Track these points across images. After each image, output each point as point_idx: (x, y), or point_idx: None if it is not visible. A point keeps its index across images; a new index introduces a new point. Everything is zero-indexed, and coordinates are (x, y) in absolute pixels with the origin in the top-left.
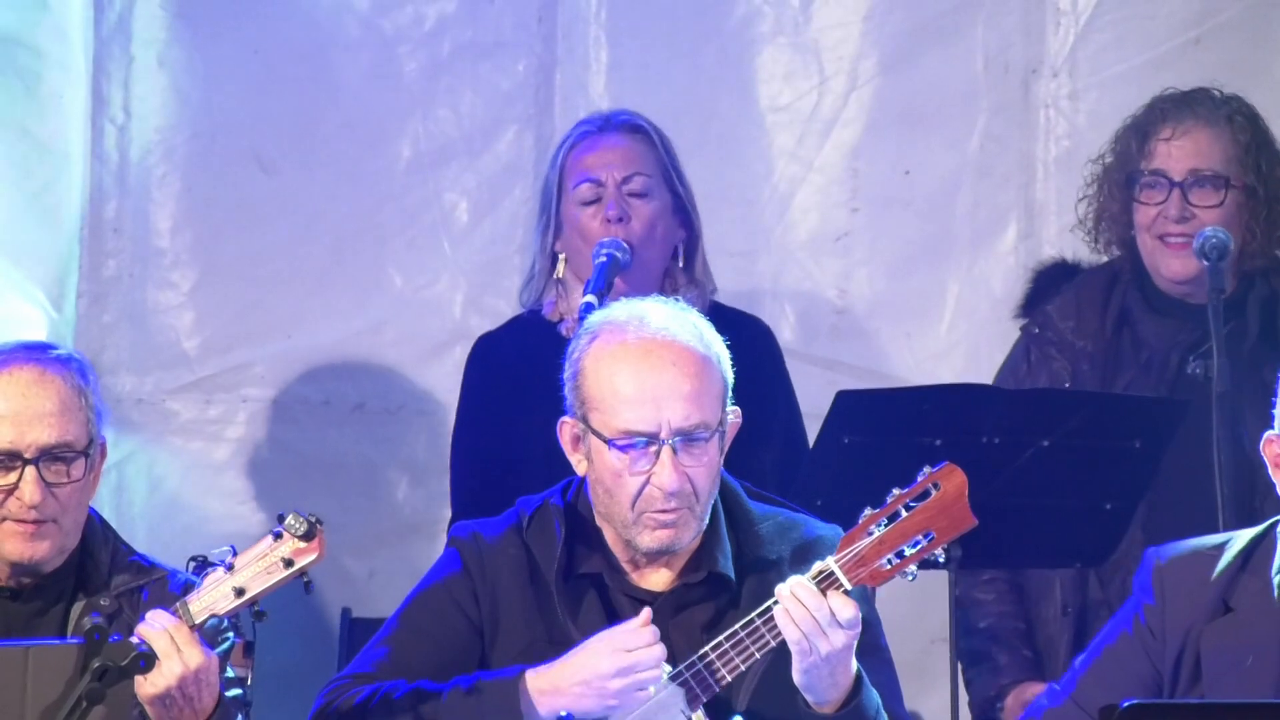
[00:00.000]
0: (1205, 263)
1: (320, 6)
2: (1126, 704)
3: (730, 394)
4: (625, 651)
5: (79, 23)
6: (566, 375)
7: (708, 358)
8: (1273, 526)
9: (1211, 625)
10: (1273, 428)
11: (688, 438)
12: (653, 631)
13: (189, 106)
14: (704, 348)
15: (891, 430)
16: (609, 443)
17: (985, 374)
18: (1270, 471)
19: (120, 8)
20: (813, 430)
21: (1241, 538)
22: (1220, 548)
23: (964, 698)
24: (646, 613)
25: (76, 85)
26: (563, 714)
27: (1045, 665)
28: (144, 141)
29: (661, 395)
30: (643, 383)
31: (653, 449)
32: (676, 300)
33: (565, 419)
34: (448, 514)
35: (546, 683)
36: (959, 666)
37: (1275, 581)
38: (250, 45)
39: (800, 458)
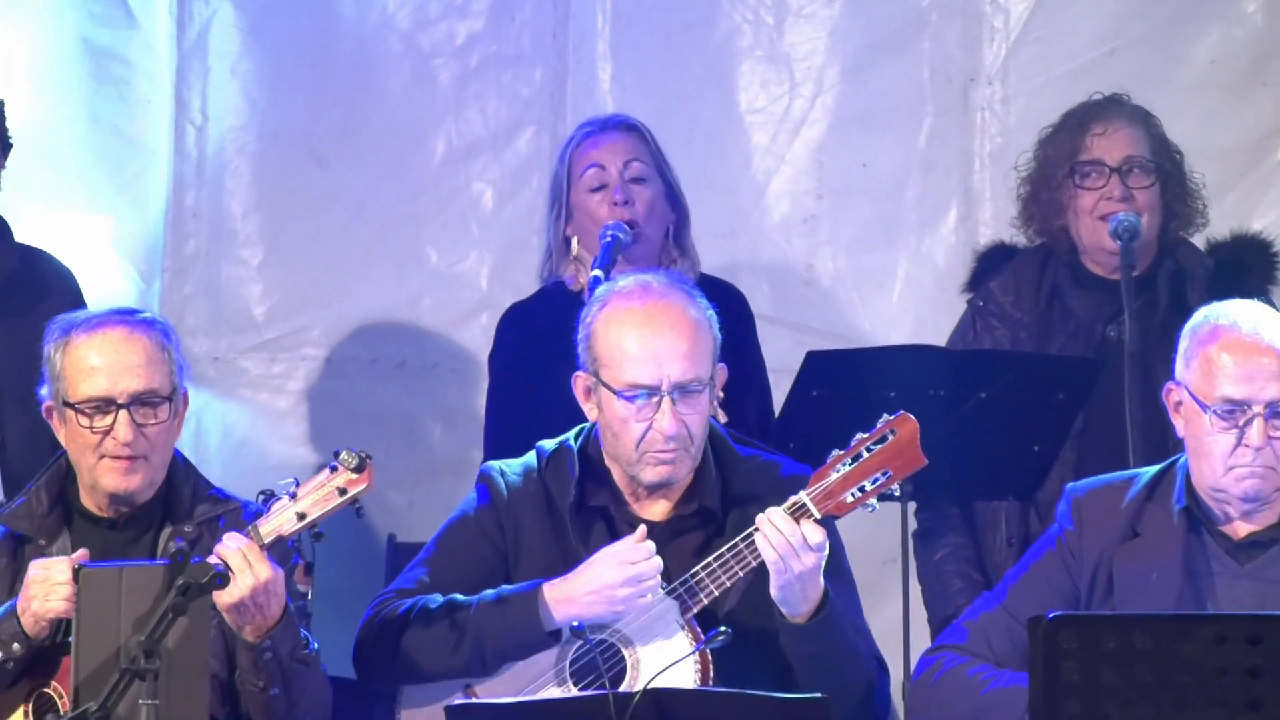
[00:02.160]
0: (1119, 243)
1: (368, 25)
2: (1052, 615)
3: (718, 352)
4: (629, 564)
5: (164, 39)
6: (580, 336)
7: (701, 322)
8: (1174, 463)
9: (1122, 548)
10: (1173, 378)
11: (684, 390)
12: (649, 546)
13: (257, 110)
14: (698, 313)
15: (853, 384)
16: (617, 394)
17: (931, 336)
18: (1170, 415)
19: (199, 26)
20: (785, 383)
21: (1147, 473)
22: (1129, 481)
23: (915, 612)
24: (642, 529)
25: (162, 92)
26: (575, 623)
27: (993, 587)
28: (218, 140)
29: (662, 354)
30: (646, 343)
31: (655, 399)
32: (673, 272)
33: (579, 374)
34: (477, 455)
35: (561, 593)
36: (919, 588)
37: (1175, 509)
38: (308, 58)
39: (766, 404)
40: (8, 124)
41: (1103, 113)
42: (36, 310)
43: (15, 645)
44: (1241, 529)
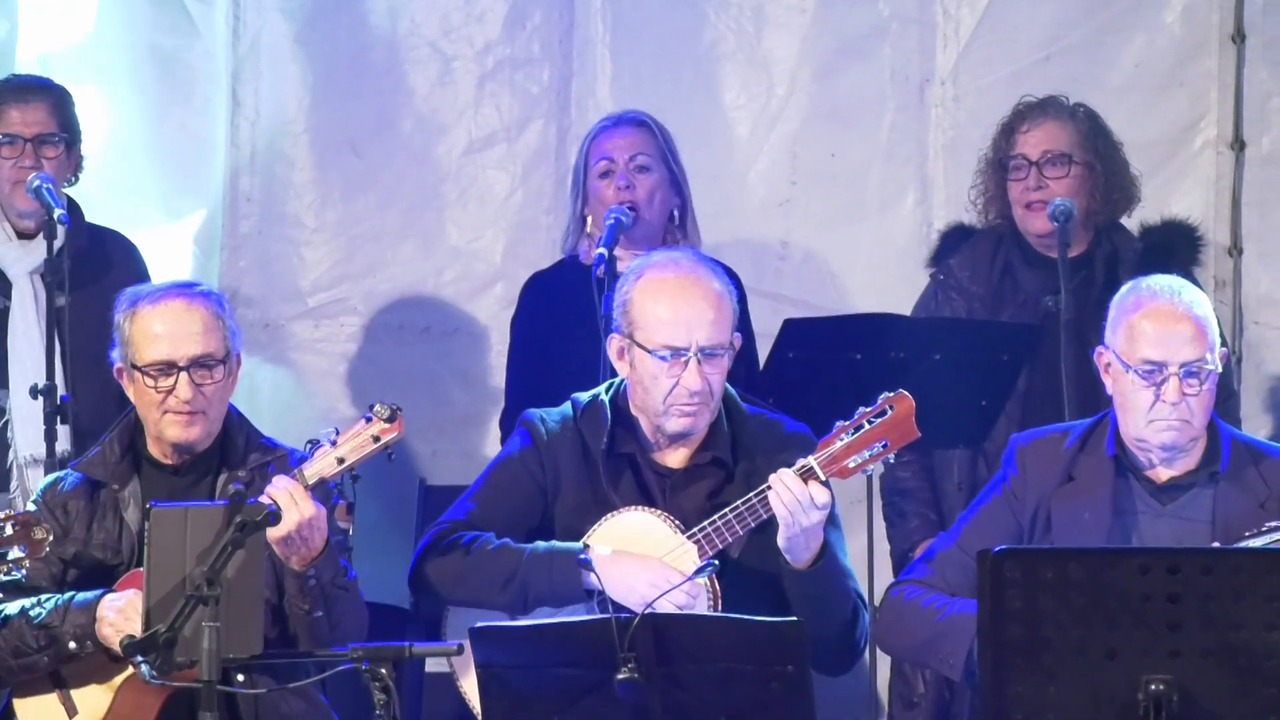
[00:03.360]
0: (1055, 224)
1: (398, 33)
2: (998, 550)
3: (737, 322)
4: (664, 586)
5: (222, 46)
6: (616, 303)
7: (724, 294)
8: (1104, 417)
9: (1059, 491)
10: (1103, 343)
11: (708, 352)
12: (689, 596)
13: (302, 108)
14: (722, 286)
15: (824, 347)
16: (651, 353)
17: (891, 305)
18: (1100, 374)
19: (252, 35)
20: (765, 345)
21: (1081, 426)
22: (1065, 433)
23: (878, 545)
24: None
25: (220, 92)
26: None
27: (947, 526)
28: (269, 134)
29: (692, 320)
30: (678, 311)
31: (683, 359)
32: (698, 251)
33: (614, 335)
34: (492, 408)
35: (602, 565)
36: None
37: (1105, 457)
38: (346, 62)
39: (754, 365)
40: (77, 115)
41: (1029, 113)
42: (104, 282)
43: (88, 644)
44: (1163, 474)
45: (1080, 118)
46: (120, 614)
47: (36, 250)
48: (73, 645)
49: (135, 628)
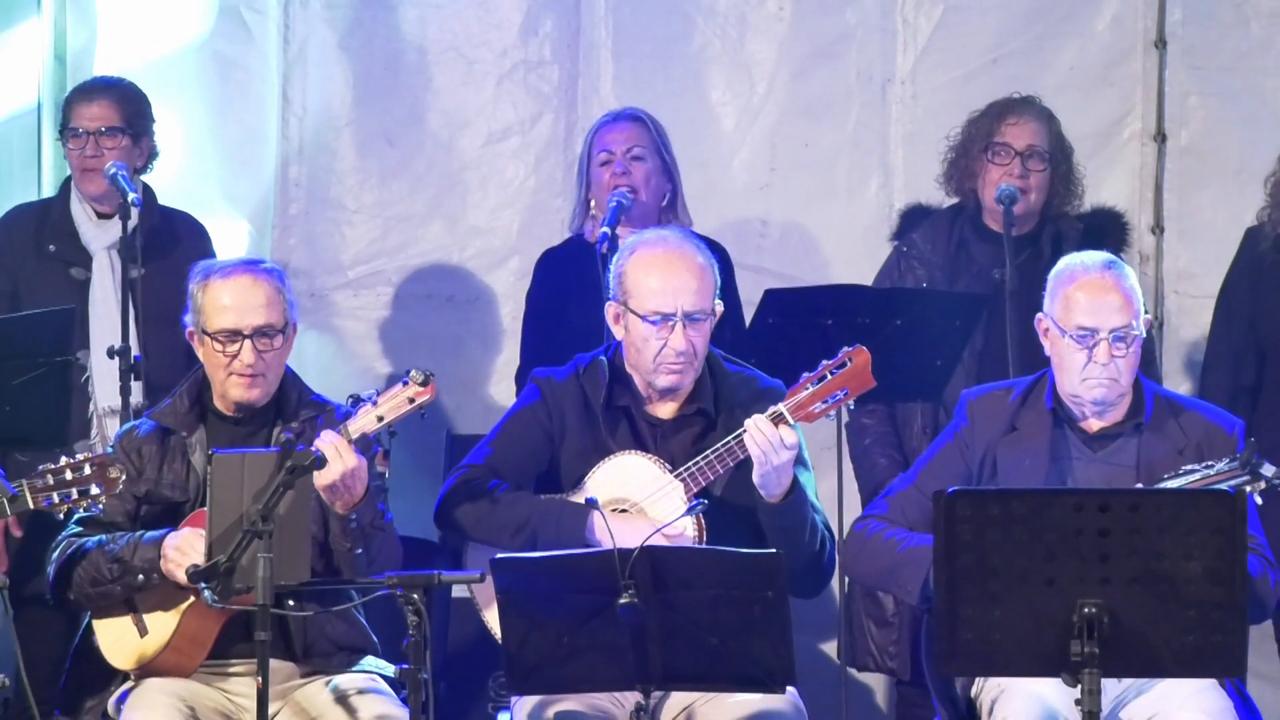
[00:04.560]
0: (1001, 207)
1: (427, 38)
2: (951, 491)
3: (719, 291)
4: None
5: (274, 52)
6: (612, 275)
7: (706, 267)
8: (1043, 375)
9: (1004, 439)
10: (1043, 311)
11: (692, 318)
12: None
13: (344, 105)
14: (704, 260)
15: (800, 314)
16: (642, 318)
17: (857, 276)
18: (1040, 338)
19: (300, 41)
20: (748, 312)
21: (1023, 383)
22: (1010, 389)
23: (849, 485)
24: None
25: (271, 91)
26: (590, 498)
27: (907, 470)
28: (315, 127)
29: (677, 290)
30: (666, 281)
31: (670, 324)
32: (684, 229)
33: (610, 303)
34: (508, 368)
35: (600, 524)
36: (850, 467)
37: (1044, 410)
38: (382, 64)
39: (740, 330)
40: (146, 110)
41: (1018, 107)
42: (173, 256)
43: (155, 575)
44: (1094, 425)
45: (1053, 121)
46: (179, 550)
47: (113, 228)
48: (140, 577)
49: (192, 562)
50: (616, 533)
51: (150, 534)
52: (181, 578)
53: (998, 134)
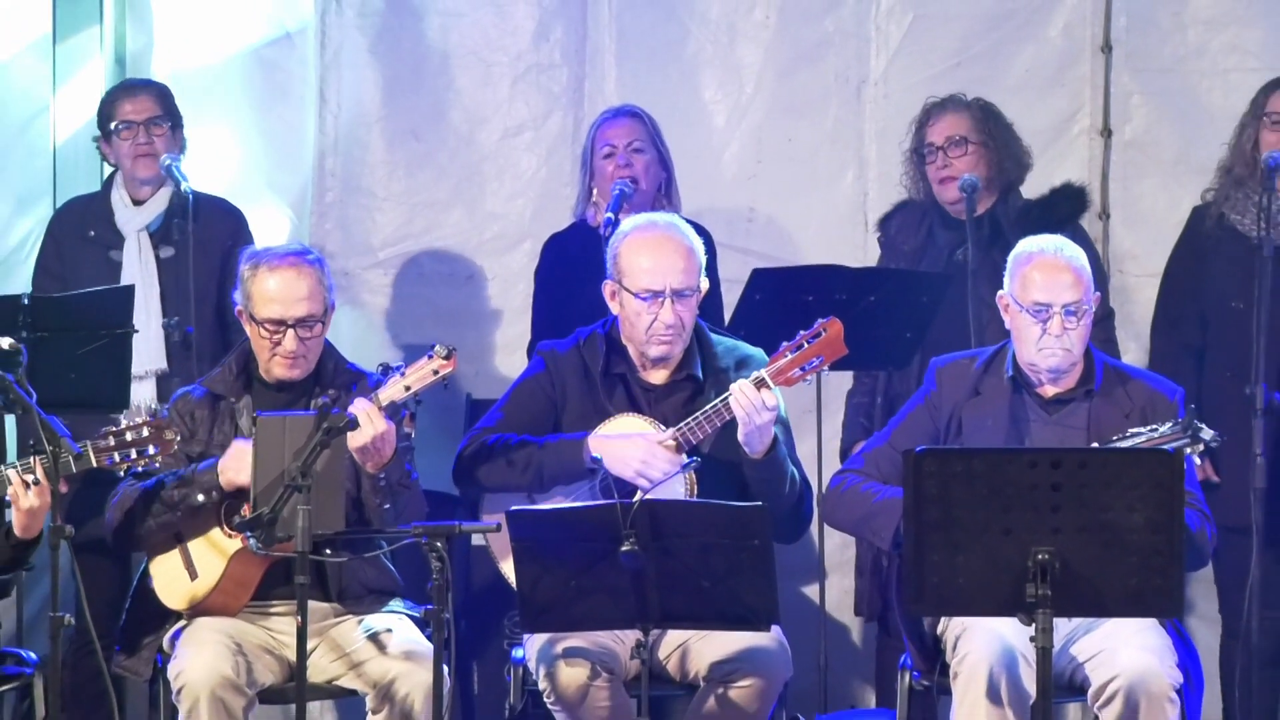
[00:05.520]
0: (964, 194)
1: (449, 43)
2: (920, 449)
3: (704, 270)
4: (650, 457)
5: (312, 55)
6: (609, 256)
7: (693, 248)
8: (1003, 345)
9: (968, 403)
10: (1002, 289)
11: (680, 294)
12: (671, 458)
13: (375, 104)
14: (691, 242)
15: (784, 291)
16: (635, 295)
17: (835, 257)
18: (1001, 313)
19: (335, 47)
20: (737, 290)
21: (986, 352)
22: (974, 358)
23: (827, 444)
24: (670, 440)
25: (310, 92)
26: (594, 456)
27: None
28: (348, 123)
29: (666, 269)
30: (656, 261)
31: (660, 300)
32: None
33: (607, 281)
34: (522, 339)
35: (599, 444)
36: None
37: (1005, 377)
38: (409, 66)
39: (719, 304)
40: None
41: (934, 110)
42: (207, 236)
43: (213, 494)
44: (1049, 391)
45: (974, 108)
46: (234, 459)
47: (145, 212)
48: (200, 497)
49: (246, 470)
50: (615, 455)
51: (205, 462)
52: (242, 480)
53: (925, 137)
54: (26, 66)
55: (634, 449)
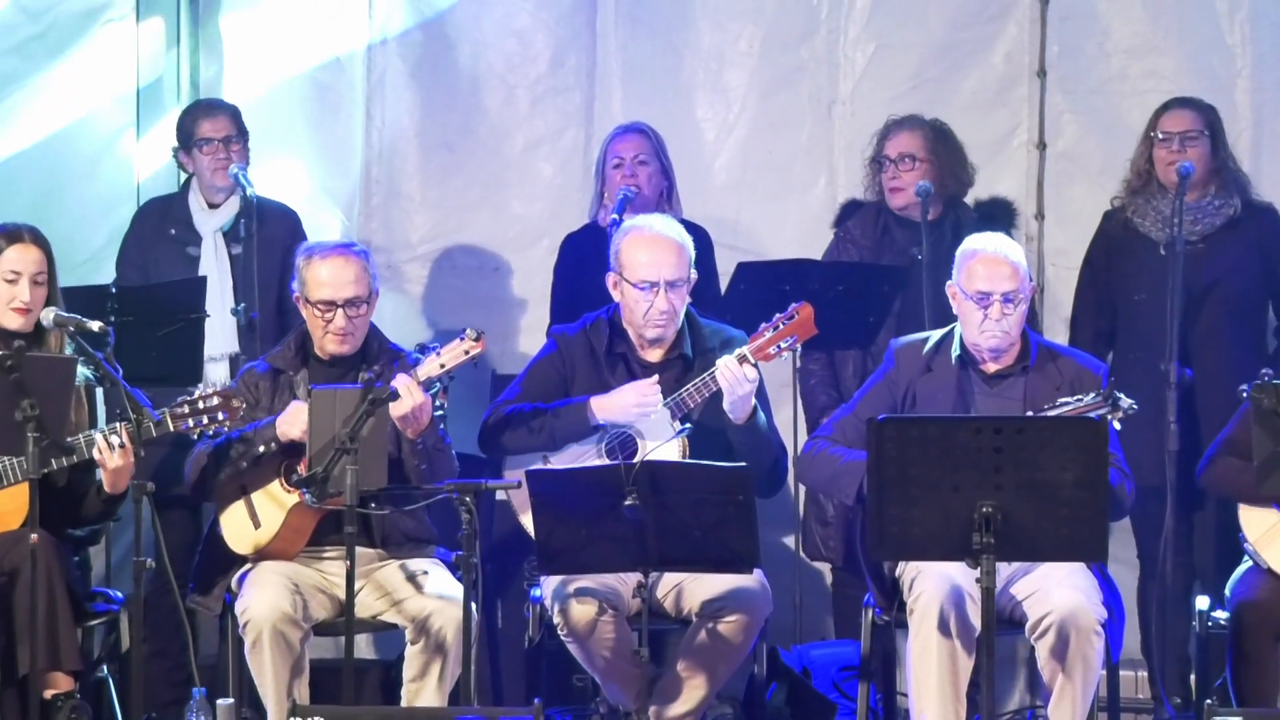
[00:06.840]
0: (919, 199)
1: (479, 68)
2: (881, 418)
3: (693, 263)
4: (642, 396)
5: (360, 78)
6: (611, 251)
7: (684, 245)
8: (952, 329)
9: (921, 378)
10: (951, 280)
11: (672, 284)
12: (656, 387)
13: (414, 120)
14: (682, 240)
15: (764, 281)
16: (633, 285)
17: (807, 253)
18: (950, 301)
19: (379, 71)
20: (724, 281)
21: (937, 333)
22: (926, 339)
23: (800, 418)
24: (654, 378)
25: (358, 110)
26: (602, 421)
27: (845, 401)
28: (391, 137)
29: (660, 263)
30: (652, 257)
31: (655, 289)
32: (667, 215)
33: (610, 273)
34: (541, 323)
35: (600, 404)
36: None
37: (953, 356)
38: (443, 87)
39: (717, 295)
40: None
41: (894, 127)
42: (265, 235)
43: (272, 445)
44: (991, 368)
45: (929, 128)
46: (289, 416)
47: (219, 215)
48: (261, 449)
49: (299, 426)
50: (614, 405)
51: (263, 420)
52: (295, 434)
53: (882, 150)
54: (108, 111)
55: (626, 395)
